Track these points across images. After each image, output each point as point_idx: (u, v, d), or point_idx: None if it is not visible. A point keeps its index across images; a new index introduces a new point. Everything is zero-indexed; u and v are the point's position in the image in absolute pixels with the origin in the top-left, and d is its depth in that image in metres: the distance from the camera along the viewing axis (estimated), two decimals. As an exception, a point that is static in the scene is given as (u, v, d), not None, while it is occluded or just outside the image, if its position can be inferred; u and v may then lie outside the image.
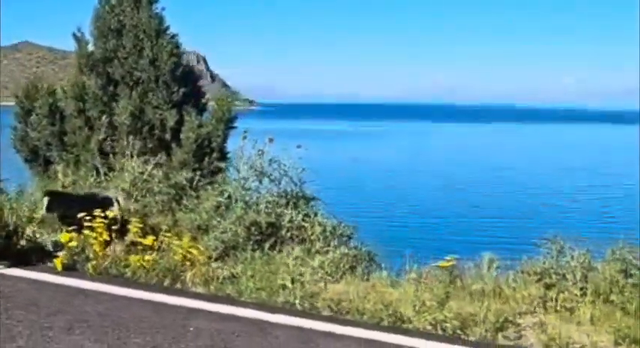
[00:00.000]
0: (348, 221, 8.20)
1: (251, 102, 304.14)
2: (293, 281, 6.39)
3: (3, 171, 10.16)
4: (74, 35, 11.22)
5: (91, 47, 11.30)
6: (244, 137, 8.43)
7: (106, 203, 7.72)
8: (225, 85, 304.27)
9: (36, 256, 7.42)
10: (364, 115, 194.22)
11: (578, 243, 6.99)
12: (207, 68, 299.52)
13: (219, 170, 9.98)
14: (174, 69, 10.85)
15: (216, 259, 7.63)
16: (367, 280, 7.18)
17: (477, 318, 5.90)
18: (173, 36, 11.29)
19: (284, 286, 6.54)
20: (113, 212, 7.35)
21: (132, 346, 4.92)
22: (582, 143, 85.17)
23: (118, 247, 7.14)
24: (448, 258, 6.46)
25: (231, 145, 10.64)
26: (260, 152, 8.29)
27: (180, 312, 5.84)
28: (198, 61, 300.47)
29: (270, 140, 8.60)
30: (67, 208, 7.61)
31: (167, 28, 11.15)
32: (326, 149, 57.43)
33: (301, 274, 6.56)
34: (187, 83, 11.04)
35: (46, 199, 7.58)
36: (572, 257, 6.78)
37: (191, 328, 5.36)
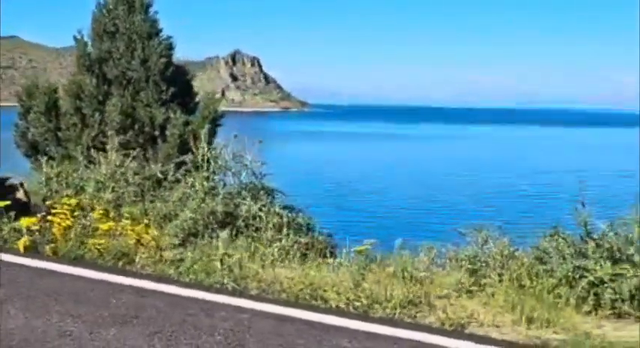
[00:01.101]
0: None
1: (304, 104, 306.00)
2: (222, 263, 6.93)
3: (7, 165, 10.98)
4: (74, 37, 11.96)
5: (90, 48, 12.04)
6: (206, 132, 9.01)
7: (11, 188, 8.41)
8: (278, 87, 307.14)
9: (15, 238, 8.14)
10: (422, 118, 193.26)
11: (505, 233, 7.47)
12: (261, 70, 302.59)
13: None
14: (164, 69, 11.50)
15: (178, 246, 8.25)
16: (309, 264, 7.68)
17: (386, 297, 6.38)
18: (167, 38, 11.97)
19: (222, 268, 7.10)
20: (19, 195, 8.02)
21: (52, 314, 5.53)
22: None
23: (77, 232, 7.77)
24: (365, 243, 6.97)
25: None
26: (222, 147, 8.89)
27: (116, 288, 6.43)
28: (252, 64, 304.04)
29: (235, 137, 9.24)
30: None
31: (159, 30, 11.83)
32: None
33: (229, 256, 7.08)
34: (177, 83, 11.67)
35: None
36: (495, 245, 7.23)
37: (114, 300, 5.96)
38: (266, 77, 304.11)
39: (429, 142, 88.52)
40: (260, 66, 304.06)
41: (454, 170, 47.20)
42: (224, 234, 7.56)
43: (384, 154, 66.64)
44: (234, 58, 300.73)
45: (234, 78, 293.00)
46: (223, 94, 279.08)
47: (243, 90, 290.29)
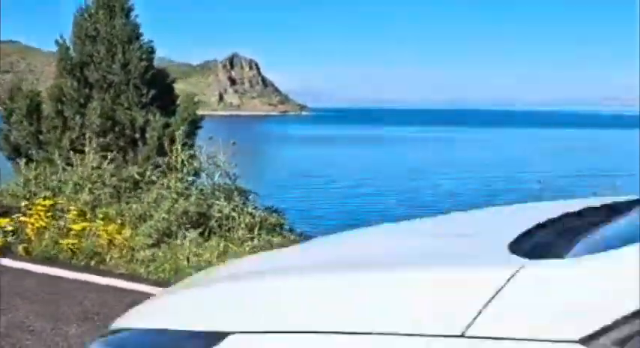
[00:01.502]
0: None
1: (303, 107, 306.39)
2: (189, 261, 7.09)
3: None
4: (56, 41, 12.12)
5: (73, 52, 12.21)
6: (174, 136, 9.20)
7: None
8: (276, 90, 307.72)
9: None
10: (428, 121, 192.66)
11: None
12: (259, 73, 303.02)
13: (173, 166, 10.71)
14: (144, 72, 11.66)
15: (152, 246, 8.40)
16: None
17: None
18: (148, 42, 12.15)
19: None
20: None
21: (18, 311, 5.69)
22: None
23: (52, 232, 7.93)
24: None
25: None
26: (195, 149, 9.07)
27: (85, 287, 6.59)
28: (250, 67, 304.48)
29: (210, 138, 9.44)
30: None
31: (140, 34, 11.99)
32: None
33: (199, 256, 7.25)
34: (157, 86, 11.84)
35: None
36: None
37: (79, 298, 6.12)
38: (264, 80, 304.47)
39: (428, 143, 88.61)
40: (258, 69, 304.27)
41: (448, 172, 47.42)
42: (193, 234, 7.73)
43: (377, 156, 66.80)
44: (232, 61, 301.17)
45: (233, 81, 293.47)
46: (222, 97, 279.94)
47: (241, 93, 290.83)
